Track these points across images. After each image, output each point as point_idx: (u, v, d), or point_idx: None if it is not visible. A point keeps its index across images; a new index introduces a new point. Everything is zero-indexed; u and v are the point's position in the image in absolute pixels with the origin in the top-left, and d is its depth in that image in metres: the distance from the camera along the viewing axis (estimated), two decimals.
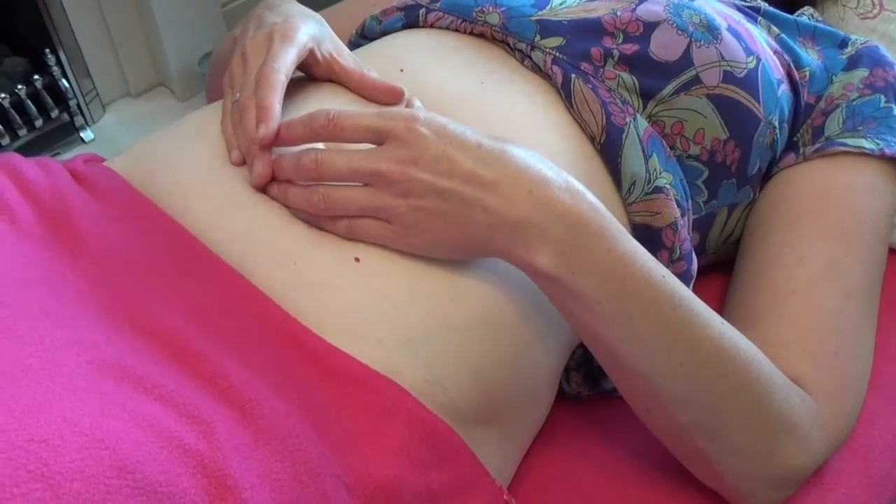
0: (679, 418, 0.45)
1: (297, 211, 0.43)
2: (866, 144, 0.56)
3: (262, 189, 0.44)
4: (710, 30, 0.53)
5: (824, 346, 0.49)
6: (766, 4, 0.66)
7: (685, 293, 0.43)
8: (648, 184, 0.50)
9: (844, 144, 0.56)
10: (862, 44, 0.63)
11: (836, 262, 0.52)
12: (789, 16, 0.65)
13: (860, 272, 0.52)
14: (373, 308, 0.41)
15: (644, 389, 0.45)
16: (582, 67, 0.53)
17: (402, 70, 0.53)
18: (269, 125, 0.43)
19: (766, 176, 0.60)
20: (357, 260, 0.42)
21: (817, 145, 0.58)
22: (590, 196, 0.41)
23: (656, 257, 0.51)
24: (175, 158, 0.48)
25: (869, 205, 0.55)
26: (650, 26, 0.53)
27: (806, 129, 0.60)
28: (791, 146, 0.60)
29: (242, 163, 0.45)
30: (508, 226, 0.40)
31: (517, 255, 0.41)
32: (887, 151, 0.56)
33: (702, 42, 0.53)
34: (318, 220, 0.43)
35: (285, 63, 0.46)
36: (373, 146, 0.42)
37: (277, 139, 0.43)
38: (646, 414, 0.47)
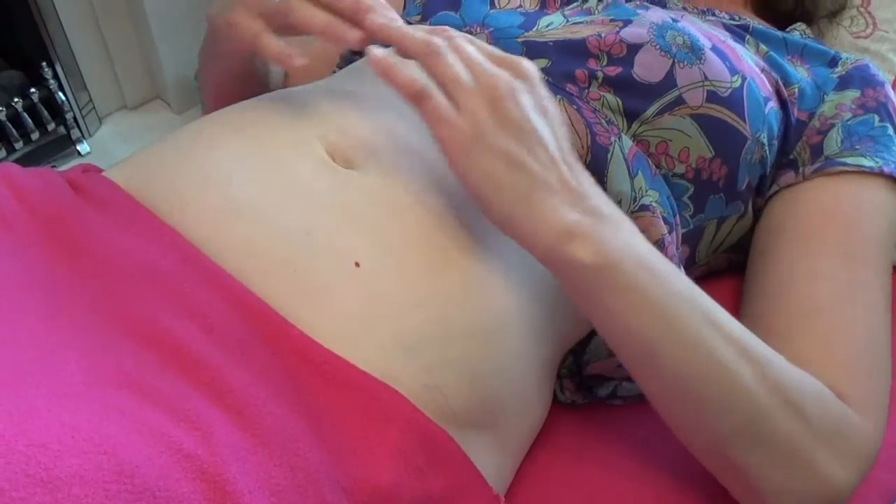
0: (718, 427, 0.44)
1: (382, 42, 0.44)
2: (865, 162, 0.57)
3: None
4: (694, 50, 0.55)
5: (860, 363, 0.49)
6: (755, 23, 0.66)
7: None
8: (634, 202, 0.51)
9: (844, 164, 0.57)
10: (852, 63, 0.64)
11: (854, 280, 0.52)
12: (777, 33, 0.66)
13: (877, 287, 0.53)
14: (372, 313, 0.42)
15: (682, 395, 0.44)
16: (567, 88, 0.54)
17: None
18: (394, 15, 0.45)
19: (760, 190, 0.60)
20: (357, 265, 0.42)
21: (817, 164, 0.59)
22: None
23: None
24: (172, 167, 0.48)
25: (874, 221, 0.56)
26: (634, 48, 0.54)
27: (803, 147, 0.61)
28: (790, 164, 0.60)
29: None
30: (559, 205, 0.41)
31: (547, 241, 0.41)
32: (886, 169, 0.57)
33: (685, 63, 0.54)
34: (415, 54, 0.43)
35: None
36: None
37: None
38: (682, 423, 0.46)
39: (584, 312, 0.45)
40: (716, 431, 0.44)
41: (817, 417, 0.44)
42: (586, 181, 0.43)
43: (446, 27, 0.44)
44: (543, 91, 0.44)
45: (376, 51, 0.43)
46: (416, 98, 0.42)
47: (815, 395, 0.45)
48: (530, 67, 0.44)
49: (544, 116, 0.43)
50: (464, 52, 0.43)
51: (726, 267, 0.65)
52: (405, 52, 0.44)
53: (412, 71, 0.42)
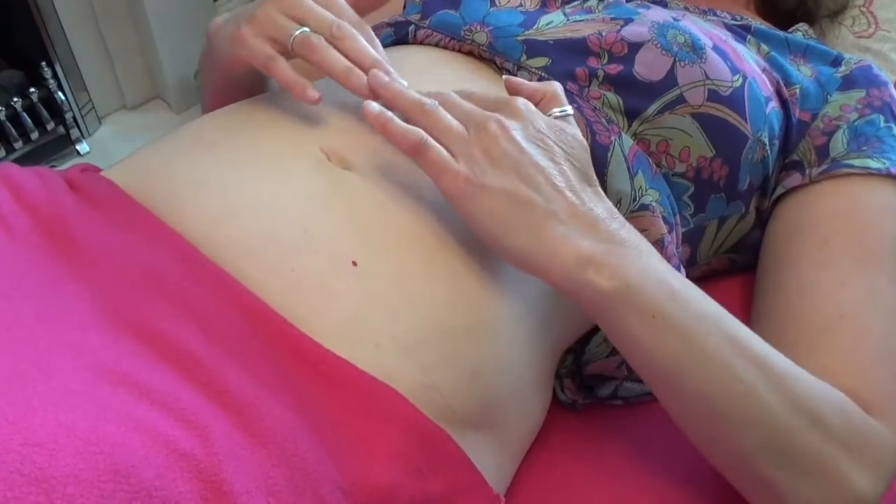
0: (743, 442, 0.44)
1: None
2: (872, 164, 0.57)
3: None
4: (695, 49, 0.54)
5: (882, 370, 0.49)
6: (757, 23, 0.66)
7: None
8: (634, 201, 0.51)
9: (850, 166, 0.57)
10: (855, 63, 0.64)
11: (873, 286, 0.52)
12: (779, 33, 0.66)
13: (892, 290, 0.53)
14: (370, 312, 0.42)
15: (706, 414, 0.44)
16: (567, 87, 0.54)
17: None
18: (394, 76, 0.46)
19: (764, 191, 0.60)
20: (354, 264, 0.42)
21: (824, 166, 0.58)
22: (641, 244, 0.43)
23: None
24: (171, 167, 0.48)
25: (887, 223, 0.56)
26: (634, 47, 0.54)
27: (808, 148, 0.60)
28: (795, 165, 0.60)
29: (319, 98, 0.47)
30: (569, 231, 0.41)
31: (564, 272, 0.41)
32: (893, 170, 0.57)
33: (686, 62, 0.54)
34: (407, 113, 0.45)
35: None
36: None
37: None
38: (706, 440, 0.46)
39: (606, 335, 0.45)
40: (740, 447, 0.44)
41: (840, 429, 0.44)
42: (599, 206, 0.43)
43: (443, 93, 0.45)
44: (542, 122, 0.44)
45: (373, 105, 0.44)
46: (414, 151, 0.43)
47: (837, 406, 0.45)
48: (523, 104, 0.44)
49: (543, 147, 0.43)
50: (453, 103, 0.44)
51: (728, 267, 0.65)
52: (400, 110, 0.45)
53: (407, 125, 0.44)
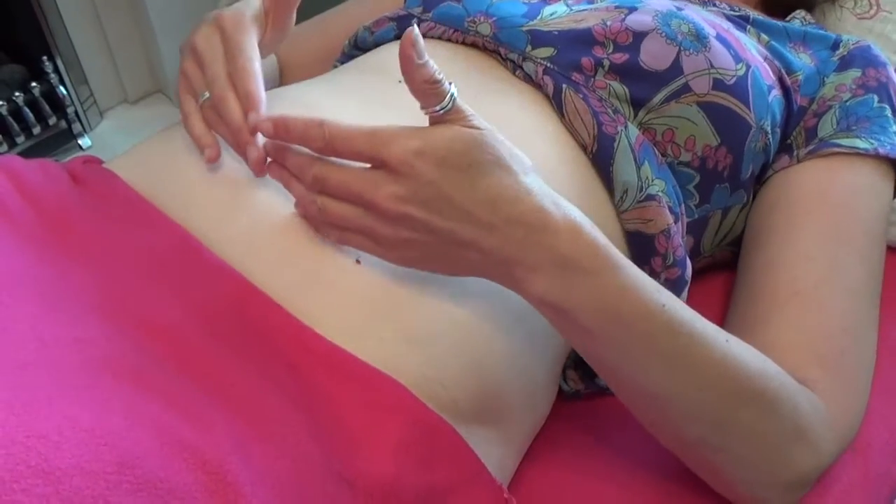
0: (685, 433, 0.45)
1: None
2: (860, 144, 0.57)
3: (261, 173, 0.43)
4: (699, 38, 0.54)
5: (831, 346, 0.49)
6: (756, 13, 0.66)
7: (687, 319, 0.42)
8: (640, 191, 0.51)
9: (838, 145, 0.57)
10: (854, 44, 0.63)
11: (837, 262, 0.52)
12: (777, 23, 0.66)
13: (862, 271, 0.52)
14: (374, 307, 0.42)
15: (646, 406, 0.45)
16: (573, 77, 0.54)
17: (399, 81, 0.54)
18: (259, 112, 0.42)
19: (760, 178, 0.60)
20: (358, 262, 0.43)
21: (811, 146, 0.58)
22: (588, 231, 0.40)
23: (650, 264, 0.51)
24: (175, 160, 0.48)
25: (867, 203, 0.55)
26: (639, 36, 0.54)
27: (799, 130, 0.60)
28: (785, 148, 0.60)
29: (216, 159, 0.45)
30: (500, 264, 0.40)
31: (509, 286, 0.41)
32: (881, 151, 0.56)
33: (691, 50, 0.54)
34: (312, 221, 0.43)
35: (254, 50, 0.45)
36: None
37: (273, 133, 0.41)
38: (651, 427, 0.47)
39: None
40: (683, 437, 0.45)
41: (784, 418, 0.44)
42: (514, 230, 0.39)
43: (311, 128, 0.40)
44: (424, 167, 0.38)
45: (298, 210, 0.43)
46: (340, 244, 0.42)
47: (776, 390, 0.44)
48: (399, 155, 0.37)
49: (439, 199, 0.38)
50: (333, 181, 0.40)
51: (729, 260, 0.65)
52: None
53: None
